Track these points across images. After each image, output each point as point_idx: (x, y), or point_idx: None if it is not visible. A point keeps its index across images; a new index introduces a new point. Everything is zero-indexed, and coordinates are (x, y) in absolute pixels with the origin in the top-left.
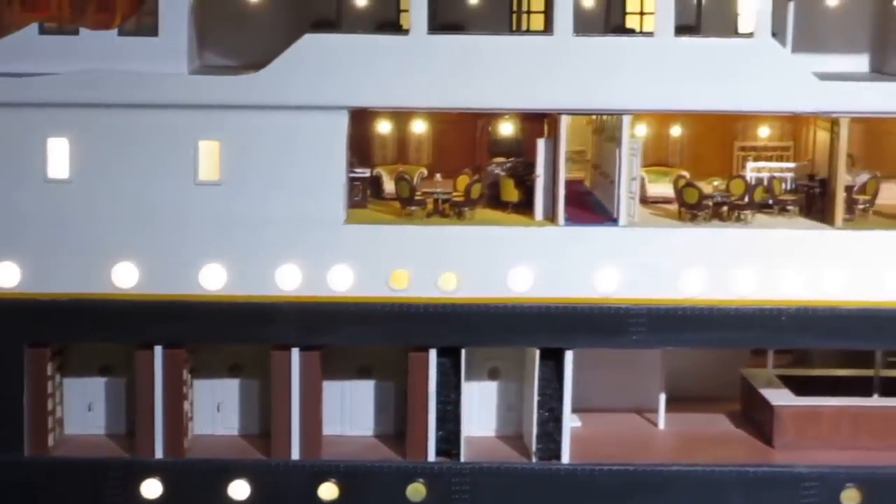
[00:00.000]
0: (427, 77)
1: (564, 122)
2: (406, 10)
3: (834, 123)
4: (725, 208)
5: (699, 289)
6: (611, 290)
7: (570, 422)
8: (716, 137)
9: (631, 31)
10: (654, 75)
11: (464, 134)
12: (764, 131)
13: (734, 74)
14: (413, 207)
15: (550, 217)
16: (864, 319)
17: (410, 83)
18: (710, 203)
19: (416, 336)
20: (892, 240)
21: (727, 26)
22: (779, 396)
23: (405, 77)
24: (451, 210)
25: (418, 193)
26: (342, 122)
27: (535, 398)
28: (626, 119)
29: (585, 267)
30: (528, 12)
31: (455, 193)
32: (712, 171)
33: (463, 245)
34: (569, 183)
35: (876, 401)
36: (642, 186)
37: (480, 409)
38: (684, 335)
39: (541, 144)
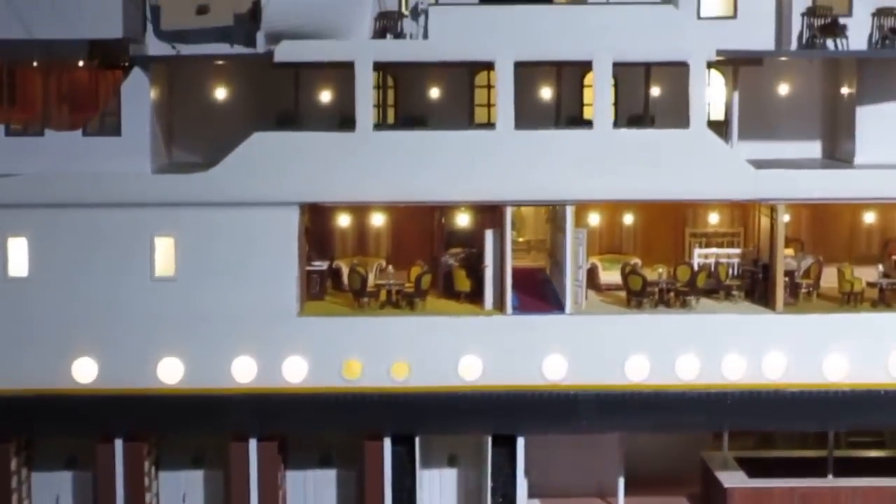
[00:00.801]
0: (372, 172)
1: (508, 213)
2: (376, 106)
3: (772, 210)
4: (671, 294)
5: (645, 374)
6: (559, 377)
7: None
8: (667, 224)
9: (588, 123)
10: (593, 166)
11: (421, 225)
12: (714, 218)
13: (670, 164)
14: (365, 299)
15: (499, 306)
16: (806, 401)
17: (356, 178)
18: (655, 289)
19: (370, 425)
20: (830, 323)
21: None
22: (731, 478)
23: (352, 172)
24: (403, 301)
25: (371, 285)
26: (293, 217)
27: (489, 485)
28: (569, 209)
29: (534, 354)
30: (488, 105)
31: (407, 284)
32: (664, 257)
33: (413, 335)
34: (530, 271)
35: (828, 481)
36: (596, 274)
37: (441, 495)
38: (633, 420)
39: (488, 235)
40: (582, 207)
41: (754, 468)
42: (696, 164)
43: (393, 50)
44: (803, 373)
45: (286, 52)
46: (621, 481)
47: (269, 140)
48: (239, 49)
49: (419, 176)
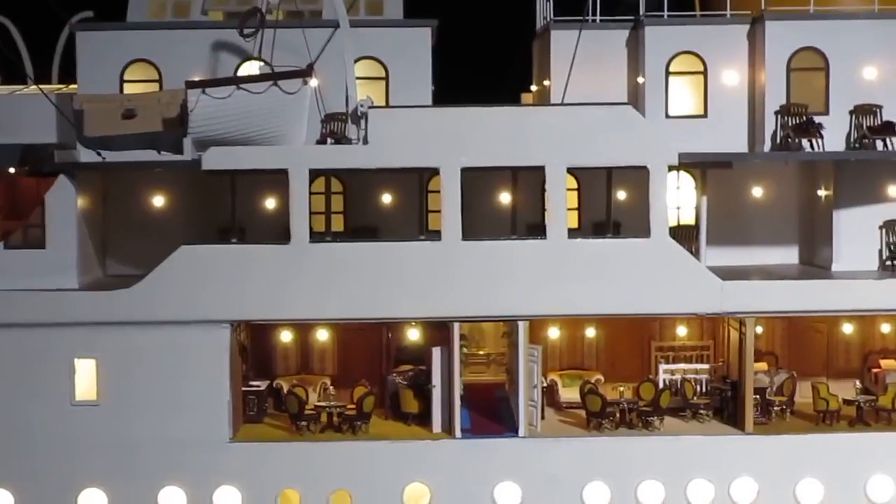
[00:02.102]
0: (307, 287)
1: (456, 329)
2: (318, 212)
3: (741, 323)
4: (633, 415)
5: (605, 502)
6: None
7: None
8: (632, 338)
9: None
10: (546, 279)
11: (369, 341)
12: (682, 331)
13: (629, 276)
14: (304, 423)
15: (448, 429)
16: None
17: (291, 294)
18: (616, 410)
19: None
20: (804, 445)
21: None
22: None
23: (286, 288)
24: (345, 424)
25: (309, 407)
26: (224, 336)
27: None
28: (521, 325)
29: (485, 481)
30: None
31: (349, 406)
32: (629, 373)
33: (355, 462)
34: (489, 387)
35: None
36: (555, 392)
37: None
38: None
39: (436, 353)
40: (538, 322)
41: None
42: (657, 276)
43: (330, 156)
44: (775, 499)
45: (214, 159)
46: None
47: (196, 253)
48: (167, 156)
49: (357, 291)
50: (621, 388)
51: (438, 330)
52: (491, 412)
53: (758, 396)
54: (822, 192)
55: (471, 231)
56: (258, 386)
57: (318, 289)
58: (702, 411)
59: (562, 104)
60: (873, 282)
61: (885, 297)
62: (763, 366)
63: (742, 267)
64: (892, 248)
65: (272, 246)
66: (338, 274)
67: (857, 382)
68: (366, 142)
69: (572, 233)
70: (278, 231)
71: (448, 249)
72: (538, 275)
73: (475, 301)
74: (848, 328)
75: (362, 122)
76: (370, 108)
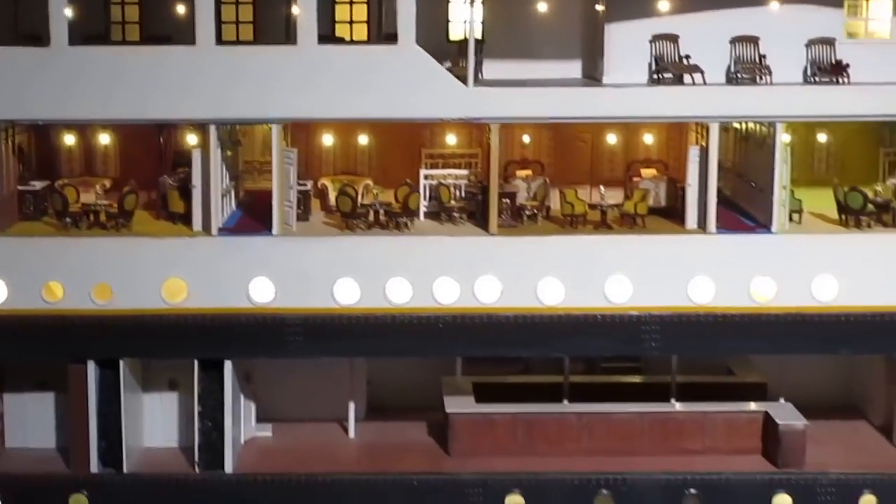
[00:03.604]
0: (65, 89)
1: (213, 132)
2: (117, 22)
3: (488, 129)
4: (385, 216)
5: (355, 298)
6: (266, 300)
7: (258, 431)
8: (402, 145)
9: (340, 40)
10: (296, 84)
11: (149, 145)
12: (451, 139)
13: (378, 82)
14: (68, 220)
15: (207, 227)
16: (520, 326)
17: (49, 96)
18: (368, 211)
19: (74, 348)
20: (545, 245)
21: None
22: (457, 404)
23: (44, 89)
24: (109, 222)
25: (77, 207)
26: None
27: (196, 409)
28: (275, 128)
29: (240, 277)
30: (237, 22)
31: (111, 205)
32: (400, 179)
33: (116, 257)
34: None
35: (560, 406)
36: (326, 195)
37: (162, 420)
38: (338, 345)
39: (195, 155)
40: (313, 129)
41: (493, 395)
42: (404, 82)
43: None
44: (517, 297)
45: None
46: (352, 407)
47: None
48: None
49: (112, 93)
50: (375, 191)
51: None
52: (260, 216)
53: (508, 201)
54: (598, 7)
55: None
56: (33, 186)
57: (73, 91)
58: (455, 214)
59: None
60: (609, 89)
61: (619, 104)
62: (527, 173)
63: (521, 80)
64: (659, 62)
65: (31, 49)
66: (94, 77)
67: (601, 188)
68: None
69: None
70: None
71: (203, 54)
72: (287, 80)
73: (229, 104)
74: (612, 138)
75: None
76: None
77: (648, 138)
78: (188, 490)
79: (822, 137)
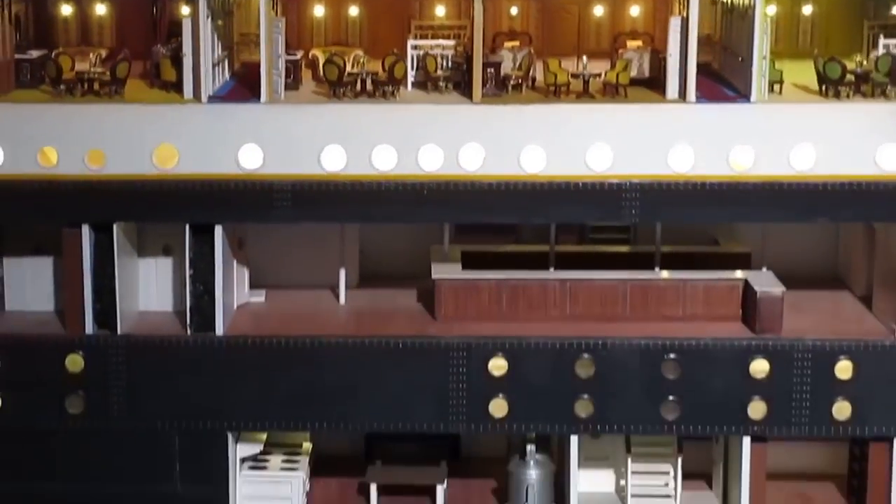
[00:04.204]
0: None
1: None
2: None
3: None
4: (370, 85)
5: (342, 165)
6: (255, 166)
7: (251, 296)
8: (393, 17)
9: None
10: None
11: (144, 16)
12: (441, 10)
13: None
14: (62, 87)
15: (197, 95)
16: (503, 193)
17: None
18: (357, 80)
19: (68, 212)
20: (526, 114)
21: None
22: (443, 271)
23: None
24: (102, 90)
25: (69, 73)
26: None
27: (188, 273)
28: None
29: (229, 144)
30: None
31: (104, 73)
32: (390, 50)
33: (109, 123)
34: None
35: (546, 273)
36: (316, 66)
37: (156, 285)
38: (324, 210)
39: (186, 23)
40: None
41: (480, 263)
42: None
43: None
44: (500, 165)
45: None
46: (342, 273)
47: None
48: None
49: None
50: (362, 60)
51: None
52: (258, 86)
53: (492, 70)
54: None
55: None
56: (31, 56)
57: None
58: (441, 84)
59: None
60: None
61: None
62: (514, 44)
63: None
64: None
65: None
66: None
67: (584, 58)
68: None
69: None
70: None
71: None
72: None
73: None
74: (599, 10)
75: None
76: None
77: (635, 10)
78: (180, 351)
79: (807, 10)
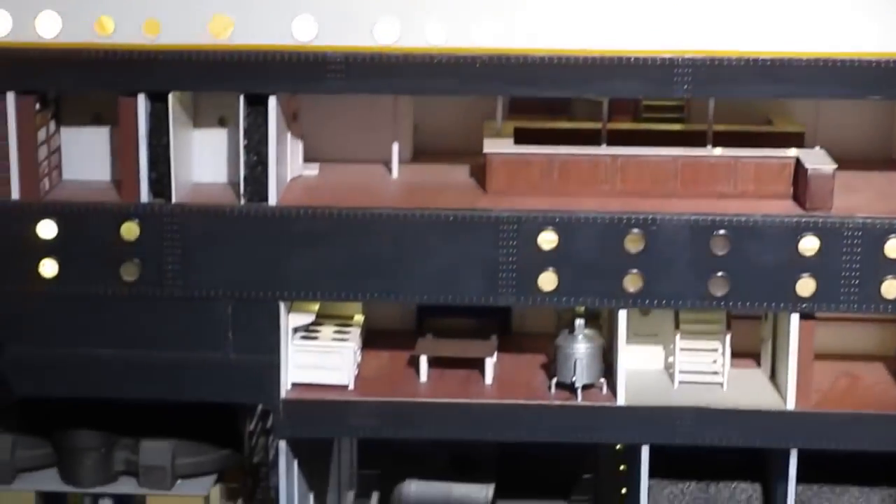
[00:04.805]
0: None
1: None
2: None
3: None
4: None
5: (395, 36)
6: (309, 38)
7: (305, 170)
8: None
9: None
10: None
11: None
12: None
13: None
14: None
15: None
16: (553, 67)
17: None
18: None
19: (124, 81)
20: None
21: None
22: (495, 145)
23: None
24: None
25: None
26: None
27: (242, 143)
28: None
29: (283, 14)
30: None
31: None
32: None
33: None
34: None
35: (598, 149)
36: None
37: (211, 156)
38: (378, 81)
39: None
40: None
41: (533, 138)
42: None
43: None
44: (553, 38)
45: None
46: (395, 147)
47: None
48: None
49: None
50: None
51: None
52: None
53: None
54: None
55: None
56: None
57: None
58: None
59: None
60: None
61: None
62: None
63: None
64: None
65: None
66: None
67: None
68: None
69: None
70: None
71: None
72: None
73: None
74: None
75: None
76: None
77: None
78: (233, 220)
79: None
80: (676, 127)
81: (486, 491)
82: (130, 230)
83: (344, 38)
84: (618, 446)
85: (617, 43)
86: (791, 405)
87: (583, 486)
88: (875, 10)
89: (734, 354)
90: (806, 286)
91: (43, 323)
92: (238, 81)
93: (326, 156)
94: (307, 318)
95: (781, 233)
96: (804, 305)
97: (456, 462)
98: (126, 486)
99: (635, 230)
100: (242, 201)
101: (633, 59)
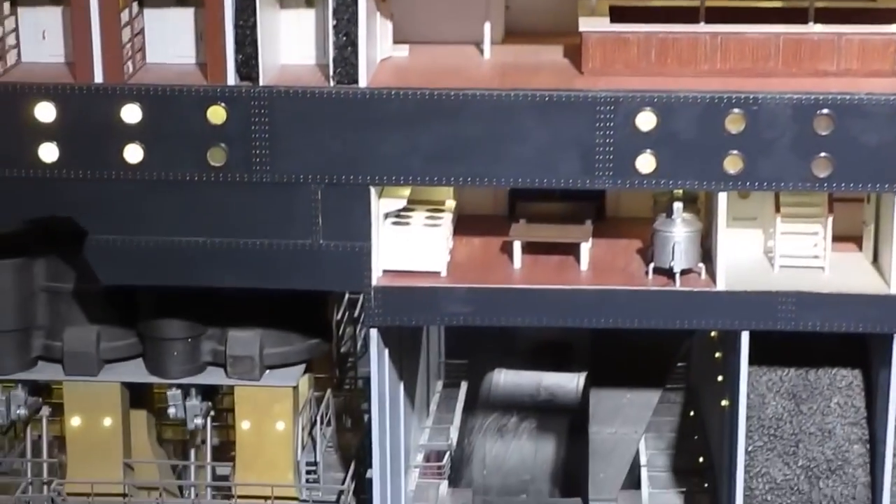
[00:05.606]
0: None
1: None
2: None
3: None
4: None
5: None
6: None
7: (395, 51)
8: None
9: None
10: None
11: None
12: None
13: None
14: None
15: None
16: None
17: None
18: None
19: None
20: None
21: None
22: (591, 24)
23: None
24: None
25: None
26: None
27: (331, 23)
28: None
29: None
30: None
31: None
32: None
33: None
34: None
35: (696, 27)
36: None
37: (299, 38)
38: None
39: None
40: None
41: (629, 17)
42: None
43: None
44: None
45: None
46: (487, 27)
47: None
48: None
49: None
50: None
51: None
52: None
53: None
54: None
55: None
56: None
57: None
58: None
59: None
60: None
61: None
62: None
63: None
64: None
65: None
66: None
67: None
68: None
69: None
70: None
71: None
72: None
73: None
74: None
75: None
76: None
77: None
78: (322, 102)
79: None
80: (777, 3)
81: (577, 380)
82: (217, 114)
83: None
84: (713, 333)
85: None
86: (895, 289)
87: (677, 375)
88: None
89: (835, 238)
90: None
91: (128, 210)
92: None
93: (416, 37)
94: (398, 204)
95: (886, 111)
96: None
97: (546, 351)
98: (213, 376)
99: (736, 110)
100: (332, 83)
101: None
